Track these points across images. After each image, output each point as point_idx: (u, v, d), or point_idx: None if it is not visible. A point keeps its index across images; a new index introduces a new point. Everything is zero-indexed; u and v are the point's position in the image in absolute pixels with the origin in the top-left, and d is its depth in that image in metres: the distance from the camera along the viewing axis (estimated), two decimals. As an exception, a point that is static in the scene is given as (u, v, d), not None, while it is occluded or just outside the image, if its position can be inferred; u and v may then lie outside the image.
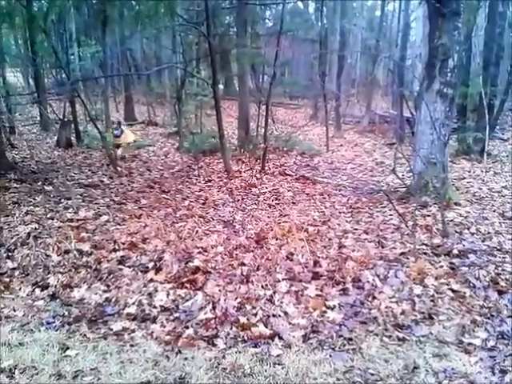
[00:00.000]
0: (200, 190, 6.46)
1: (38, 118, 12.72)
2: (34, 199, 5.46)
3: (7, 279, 3.44)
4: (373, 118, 14.23)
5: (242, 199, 6.08)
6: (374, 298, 3.27)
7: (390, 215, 5.23)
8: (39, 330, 2.81)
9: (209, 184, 6.87)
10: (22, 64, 17.84)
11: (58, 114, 10.85)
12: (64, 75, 13.36)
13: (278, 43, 7.48)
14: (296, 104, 19.55)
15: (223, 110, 13.43)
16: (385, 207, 5.55)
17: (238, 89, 11.45)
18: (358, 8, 22.25)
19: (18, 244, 4.00)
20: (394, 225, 4.89)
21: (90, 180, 6.60)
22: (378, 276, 3.59)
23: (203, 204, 5.79)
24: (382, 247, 4.24)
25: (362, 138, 12.56)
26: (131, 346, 2.65)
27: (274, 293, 3.28)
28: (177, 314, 3.02)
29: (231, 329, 2.84)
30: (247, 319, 2.94)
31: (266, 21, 21.01)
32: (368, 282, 3.49)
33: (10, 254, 3.82)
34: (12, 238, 4.12)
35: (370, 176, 7.68)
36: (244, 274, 3.53)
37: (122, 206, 5.48)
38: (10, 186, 5.84)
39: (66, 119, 10.20)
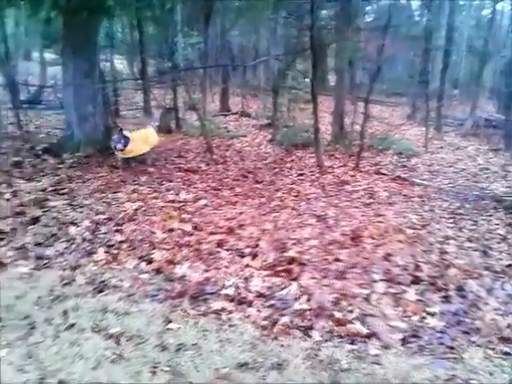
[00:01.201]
0: (292, 183, 6.46)
1: (141, 104, 13.54)
2: (139, 178, 5.83)
3: (115, 251, 3.68)
4: (477, 120, 13.28)
5: (335, 195, 5.98)
6: (478, 308, 3.09)
7: (496, 224, 4.92)
8: (143, 302, 2.98)
9: (301, 177, 6.85)
10: (127, 51, 19.04)
11: (159, 101, 11.48)
12: (165, 64, 14.14)
13: (384, 38, 7.22)
14: (393, 102, 18.80)
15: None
16: (491, 215, 5.19)
17: (331, 84, 11.31)
18: (466, 6, 20.87)
19: (126, 219, 4.30)
20: (500, 235, 4.60)
21: (188, 165, 6.88)
22: (483, 286, 3.39)
23: (295, 197, 5.78)
24: (488, 257, 3.99)
25: (464, 142, 11.79)
26: (229, 326, 2.73)
27: (372, 292, 3.20)
28: (272, 301, 3.05)
29: (326, 323, 2.82)
30: (343, 315, 2.90)
31: (365, 16, 20.50)
32: (472, 291, 3.31)
33: (118, 227, 4.11)
34: (120, 213, 4.44)
35: (474, 182, 7.19)
36: (340, 270, 3.49)
37: (218, 192, 5.66)
38: (117, 165, 6.26)
39: (167, 106, 10.77)
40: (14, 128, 8.26)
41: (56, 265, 3.41)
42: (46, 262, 3.43)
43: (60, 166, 5.99)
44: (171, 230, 4.07)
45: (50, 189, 5.02)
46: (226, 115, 13.82)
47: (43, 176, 5.47)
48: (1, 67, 8.84)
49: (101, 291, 3.06)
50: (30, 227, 4.01)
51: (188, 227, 4.14)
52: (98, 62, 7.43)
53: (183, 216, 4.46)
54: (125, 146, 5.67)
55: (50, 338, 2.51)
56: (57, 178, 5.45)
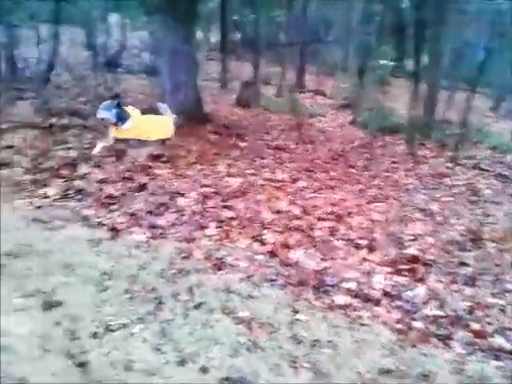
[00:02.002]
0: (386, 171, 6.14)
1: (217, 76, 13.40)
2: (231, 153, 5.71)
3: (226, 227, 3.58)
4: None
5: (434, 188, 5.62)
6: None
7: None
8: (264, 286, 2.85)
9: (394, 165, 6.49)
10: (206, 22, 18.75)
11: (237, 74, 11.29)
12: (245, 36, 13.90)
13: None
14: (478, 92, 17.56)
15: (394, 89, 12.74)
16: None
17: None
18: None
19: (231, 195, 4.19)
20: None
21: (276, 142, 6.69)
22: None
23: (393, 186, 5.47)
24: None
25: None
26: (361, 325, 2.55)
27: (508, 304, 2.92)
28: (399, 303, 2.83)
29: (464, 333, 2.58)
30: (481, 327, 2.65)
31: None
32: None
33: (225, 203, 4.01)
34: (225, 187, 4.33)
35: None
36: (468, 275, 3.21)
37: (312, 173, 5.44)
38: (209, 137, 6.17)
39: (247, 80, 10.57)
40: (103, 90, 8.37)
41: (170, 235, 3.36)
42: (160, 231, 3.38)
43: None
44: (279, 212, 3.92)
45: (150, 156, 4.99)
46: (302, 92, 13.45)
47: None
48: (82, 29, 8.89)
49: (220, 269, 2.97)
50: (138, 194, 3.99)
51: (296, 210, 3.98)
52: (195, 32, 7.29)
53: (288, 197, 4.29)
54: (119, 119, 4.60)
55: (180, 315, 2.44)
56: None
